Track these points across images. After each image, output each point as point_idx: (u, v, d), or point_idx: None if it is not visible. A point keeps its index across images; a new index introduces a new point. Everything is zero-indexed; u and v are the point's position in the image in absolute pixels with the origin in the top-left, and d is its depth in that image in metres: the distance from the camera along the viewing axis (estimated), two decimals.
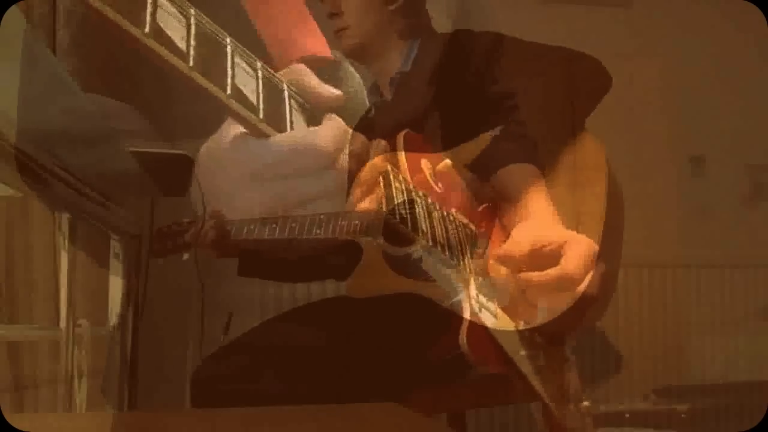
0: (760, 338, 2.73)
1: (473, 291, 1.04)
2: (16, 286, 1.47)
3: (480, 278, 1.06)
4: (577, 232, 1.08)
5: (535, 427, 1.06)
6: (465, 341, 0.99)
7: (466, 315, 1.00)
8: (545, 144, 1.21)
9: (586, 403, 1.07)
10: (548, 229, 1.07)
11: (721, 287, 2.89)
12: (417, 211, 0.98)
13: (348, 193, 0.77)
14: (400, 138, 1.12)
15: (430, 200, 1.04)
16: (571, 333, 1.10)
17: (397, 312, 1.10)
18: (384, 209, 0.90)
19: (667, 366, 2.80)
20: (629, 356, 2.58)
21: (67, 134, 0.99)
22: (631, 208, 1.27)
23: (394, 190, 0.93)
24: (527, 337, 1.06)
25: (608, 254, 1.11)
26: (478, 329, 1.01)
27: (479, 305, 1.03)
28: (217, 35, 0.66)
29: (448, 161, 1.13)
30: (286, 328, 1.30)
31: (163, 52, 0.60)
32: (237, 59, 0.66)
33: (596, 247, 1.03)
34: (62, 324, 1.49)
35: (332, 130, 0.70)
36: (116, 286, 1.39)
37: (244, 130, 0.67)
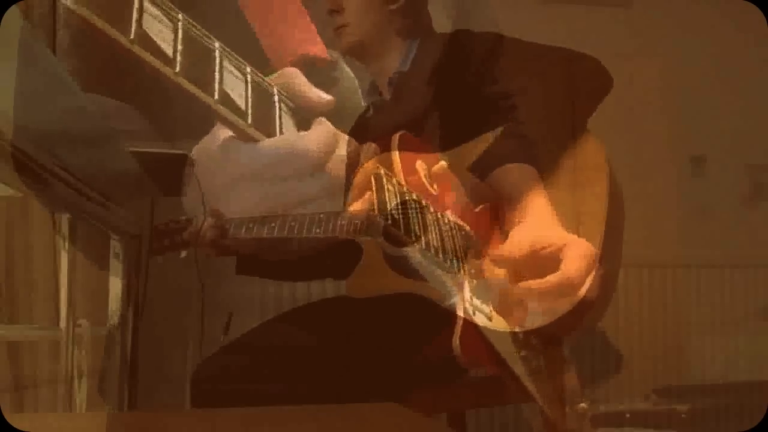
0: (761, 338, 2.73)
1: (467, 293, 1.04)
2: (16, 286, 1.47)
3: (474, 280, 1.06)
4: (578, 233, 1.08)
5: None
6: (458, 343, 0.99)
7: (459, 317, 1.01)
8: (546, 144, 1.21)
9: (583, 405, 1.06)
10: (547, 231, 1.07)
11: (722, 287, 2.89)
12: (410, 213, 0.98)
13: (339, 197, 0.77)
14: (395, 139, 1.12)
15: (424, 202, 1.03)
16: (570, 334, 1.10)
17: (396, 312, 1.10)
18: (375, 212, 0.90)
19: (668, 366, 2.80)
20: (629, 356, 2.58)
21: (67, 134, 0.99)
22: (631, 208, 1.27)
23: (386, 193, 0.93)
24: (523, 339, 1.06)
25: (609, 255, 1.11)
26: (472, 332, 1.01)
27: (473, 308, 1.03)
28: (206, 40, 0.66)
29: (443, 163, 1.13)
30: (286, 328, 1.30)
31: (149, 58, 0.60)
32: (226, 63, 0.66)
33: (596, 250, 1.03)
34: (62, 324, 1.49)
35: (321, 134, 0.70)
36: (116, 286, 1.39)
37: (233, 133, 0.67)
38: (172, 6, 0.63)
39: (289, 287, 2.26)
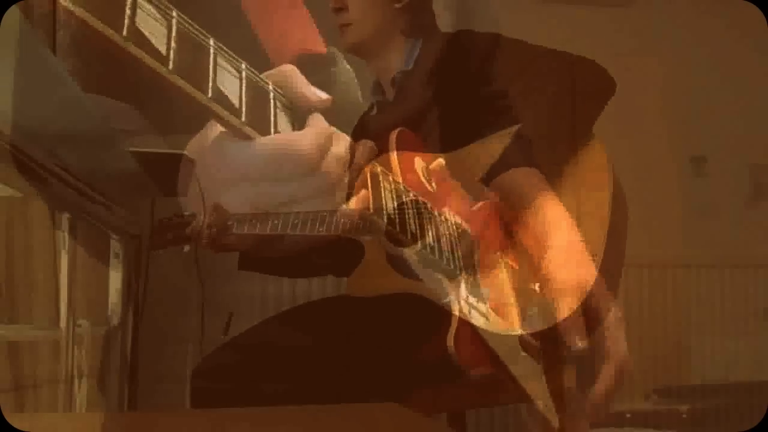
0: (761, 338, 2.73)
1: (463, 292, 1.03)
2: (16, 286, 1.47)
3: (471, 279, 1.06)
4: (581, 238, 1.08)
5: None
6: (452, 343, 0.99)
7: (455, 317, 1.01)
8: (547, 147, 1.21)
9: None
10: (582, 266, 1.06)
11: (722, 287, 2.89)
12: (406, 211, 0.98)
13: (334, 196, 0.77)
14: (393, 136, 1.11)
15: (421, 200, 1.03)
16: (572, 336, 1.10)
17: (397, 312, 1.10)
18: (371, 210, 0.90)
19: (668, 366, 2.80)
20: (630, 356, 2.58)
21: (67, 134, 0.99)
22: (631, 208, 1.27)
23: (382, 190, 0.92)
24: (521, 338, 1.06)
25: (611, 260, 1.11)
26: (467, 331, 1.01)
27: (469, 306, 1.02)
28: (200, 37, 0.66)
29: (441, 160, 1.13)
30: (286, 327, 1.30)
31: (142, 55, 0.59)
32: (220, 61, 0.66)
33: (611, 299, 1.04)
34: (62, 324, 1.49)
35: (315, 134, 0.70)
36: (116, 286, 1.39)
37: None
38: (167, 3, 0.63)
39: (289, 286, 2.27)
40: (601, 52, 1.28)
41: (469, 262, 1.07)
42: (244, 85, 0.67)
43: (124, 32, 0.58)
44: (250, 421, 0.91)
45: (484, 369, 1.02)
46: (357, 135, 1.39)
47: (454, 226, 1.09)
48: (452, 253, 1.05)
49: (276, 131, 0.69)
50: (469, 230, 1.11)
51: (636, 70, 2.58)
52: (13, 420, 0.74)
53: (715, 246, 2.82)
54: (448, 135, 1.22)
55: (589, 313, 1.02)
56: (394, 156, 1.08)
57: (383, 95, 1.38)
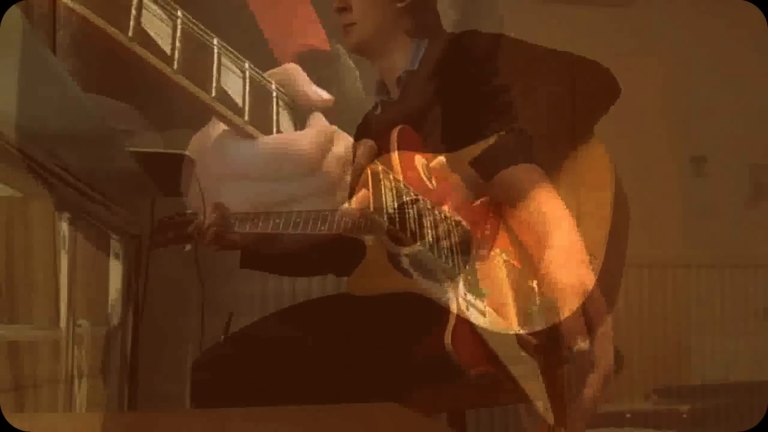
0: (761, 338, 2.73)
1: (461, 289, 1.04)
2: (16, 286, 1.47)
3: (469, 276, 1.06)
4: (581, 238, 1.08)
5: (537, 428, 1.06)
6: (449, 340, 0.99)
7: (453, 314, 1.01)
8: (549, 146, 1.21)
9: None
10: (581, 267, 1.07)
11: (722, 287, 2.89)
12: (406, 210, 0.98)
13: (334, 195, 0.77)
14: (394, 134, 1.12)
15: (421, 198, 1.03)
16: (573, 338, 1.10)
17: (397, 311, 1.10)
18: (371, 209, 0.90)
19: (668, 366, 2.80)
20: (630, 356, 2.57)
21: (67, 134, 1.00)
22: (632, 208, 1.27)
23: (383, 189, 0.92)
24: (519, 336, 1.06)
25: (612, 261, 1.11)
26: (465, 329, 1.01)
27: (467, 303, 1.03)
28: (204, 37, 0.66)
29: (441, 158, 1.13)
30: (286, 325, 1.30)
31: (147, 55, 0.60)
32: (224, 61, 0.66)
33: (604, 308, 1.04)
34: (62, 324, 1.49)
35: (316, 134, 0.70)
36: (116, 286, 1.39)
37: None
38: (172, 3, 0.63)
39: (289, 286, 2.27)
40: (601, 52, 1.27)
41: (467, 260, 1.07)
42: (247, 84, 0.68)
43: (130, 33, 0.58)
44: (250, 420, 0.91)
45: (481, 367, 1.02)
46: (361, 134, 1.39)
47: (454, 224, 1.09)
48: (451, 251, 1.05)
49: (278, 130, 0.69)
50: (469, 228, 1.11)
51: (636, 70, 2.57)
52: (13, 420, 0.74)
53: (715, 246, 2.82)
54: (452, 134, 1.22)
55: (586, 316, 1.03)
56: (395, 153, 1.08)
57: (387, 95, 1.38)
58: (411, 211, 0.99)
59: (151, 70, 0.60)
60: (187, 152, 1.12)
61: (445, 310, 1.03)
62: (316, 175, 0.70)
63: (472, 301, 1.04)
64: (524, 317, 1.08)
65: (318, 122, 0.72)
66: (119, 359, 1.39)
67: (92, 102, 1.00)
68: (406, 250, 1.00)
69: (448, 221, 1.08)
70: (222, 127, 0.68)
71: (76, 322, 1.48)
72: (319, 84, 0.82)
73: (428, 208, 1.04)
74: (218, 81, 0.65)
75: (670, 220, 2.79)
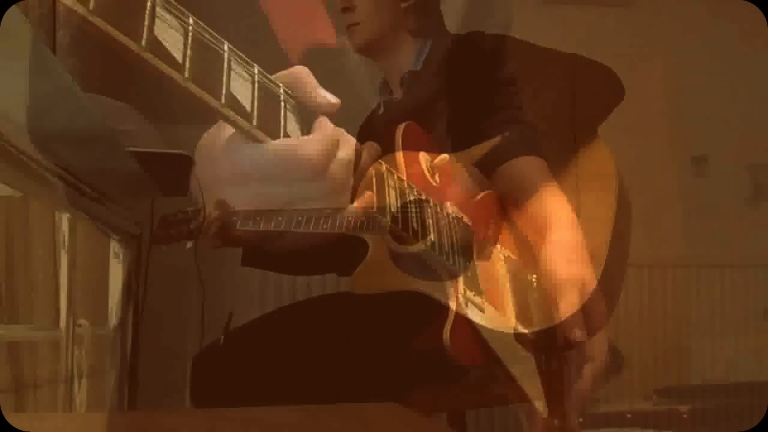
0: (762, 338, 2.73)
1: (461, 287, 1.04)
2: (16, 286, 1.47)
3: (469, 273, 1.06)
4: (582, 233, 1.08)
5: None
6: (447, 336, 0.99)
7: (452, 310, 1.01)
8: (553, 143, 1.21)
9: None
10: (581, 265, 1.07)
11: (722, 287, 2.89)
12: (409, 210, 0.98)
13: (339, 199, 0.78)
14: (399, 131, 1.12)
15: (424, 197, 1.04)
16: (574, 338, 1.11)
17: (399, 310, 1.10)
18: (374, 210, 0.90)
19: (669, 366, 2.80)
20: (630, 356, 2.58)
21: (68, 134, 1.00)
22: (632, 208, 1.27)
23: (386, 189, 0.93)
24: (517, 332, 1.06)
25: (614, 262, 1.11)
26: (464, 326, 1.01)
27: (466, 300, 1.03)
28: (215, 43, 0.66)
29: (445, 155, 1.13)
30: (285, 325, 1.30)
31: (159, 64, 0.60)
32: (234, 66, 0.67)
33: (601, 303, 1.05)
34: (62, 324, 1.49)
35: (322, 139, 0.71)
36: (116, 286, 1.39)
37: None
38: (183, 10, 0.63)
39: (289, 286, 2.27)
40: (602, 52, 1.28)
41: (468, 257, 1.07)
42: (256, 89, 0.68)
43: (143, 42, 0.59)
44: (250, 421, 0.91)
45: (478, 363, 1.02)
46: (364, 133, 1.39)
47: (456, 221, 1.09)
48: (453, 249, 1.05)
49: (285, 134, 0.70)
50: (470, 224, 1.11)
51: (636, 71, 2.58)
52: (13, 420, 0.74)
53: (715, 246, 2.82)
54: (457, 133, 1.23)
55: (583, 310, 1.03)
56: (399, 150, 1.08)
57: (391, 94, 1.38)
58: (414, 210, 1.00)
59: (163, 78, 0.61)
60: (188, 152, 1.13)
61: (445, 308, 1.03)
62: (321, 180, 0.70)
63: (471, 297, 1.04)
64: (523, 313, 1.08)
65: (324, 126, 0.72)
66: (119, 359, 1.39)
67: (92, 102, 1.00)
68: (408, 249, 1.00)
69: (451, 219, 1.08)
70: (229, 130, 0.69)
71: (76, 322, 1.48)
72: (327, 78, 0.83)
73: (431, 207, 1.04)
74: (228, 87, 0.65)
75: (670, 220, 2.79)
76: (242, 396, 1.14)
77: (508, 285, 1.11)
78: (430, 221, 1.02)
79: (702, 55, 2.69)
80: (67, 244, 1.48)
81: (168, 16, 0.62)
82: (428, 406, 1.19)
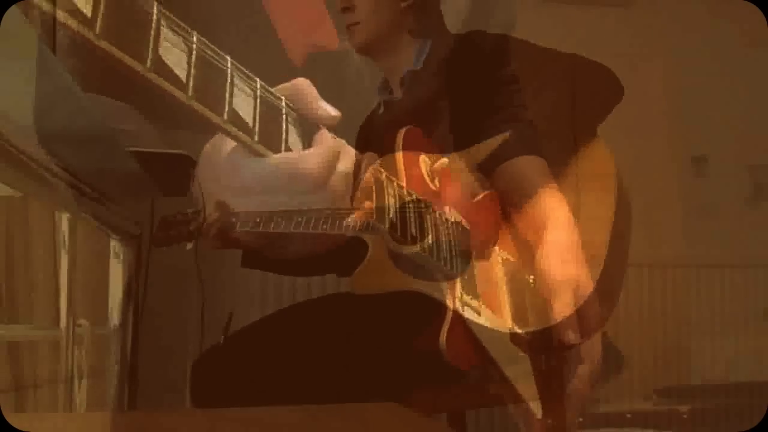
0: (762, 338, 2.73)
1: (458, 290, 1.04)
2: (16, 286, 1.47)
3: (467, 276, 1.06)
4: (584, 239, 1.08)
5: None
6: (444, 339, 1.00)
7: (449, 314, 1.01)
8: (553, 143, 1.21)
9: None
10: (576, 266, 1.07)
11: (722, 287, 2.89)
12: (408, 216, 0.98)
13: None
14: (400, 135, 1.12)
15: (423, 203, 1.04)
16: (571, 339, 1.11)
17: (398, 310, 1.10)
18: (374, 218, 0.91)
19: (669, 366, 2.80)
20: (630, 356, 2.58)
21: (67, 134, 1.00)
22: (632, 208, 1.27)
23: (386, 197, 0.93)
24: (513, 333, 1.07)
25: (613, 262, 1.11)
26: (460, 328, 1.01)
27: (462, 304, 1.03)
28: (218, 60, 0.67)
29: (444, 160, 1.14)
30: (286, 325, 1.30)
31: (164, 84, 0.61)
32: (236, 81, 0.67)
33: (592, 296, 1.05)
34: (62, 324, 1.49)
35: (323, 152, 0.72)
36: (116, 286, 1.39)
37: None
38: (187, 28, 0.64)
39: (290, 285, 2.27)
40: (602, 52, 1.28)
41: (466, 261, 1.07)
42: (258, 104, 0.69)
43: (148, 63, 0.59)
44: (250, 421, 0.91)
45: (474, 364, 1.03)
46: (364, 133, 1.40)
47: (454, 226, 1.09)
48: (450, 253, 1.05)
49: (287, 147, 0.70)
50: (469, 228, 1.12)
51: (636, 70, 2.58)
52: (13, 420, 0.74)
53: (715, 246, 2.82)
54: (458, 133, 1.23)
55: (578, 311, 1.03)
56: (399, 155, 1.09)
57: (391, 94, 1.39)
58: (413, 217, 1.00)
59: (166, 96, 0.61)
60: (184, 152, 1.13)
61: (445, 308, 1.03)
62: (322, 192, 0.71)
63: (468, 301, 1.04)
64: (520, 314, 1.09)
65: (325, 139, 0.73)
66: (119, 359, 1.39)
67: (92, 102, 1.00)
68: (404, 250, 1.00)
69: (449, 223, 1.08)
70: (232, 142, 0.70)
71: (76, 322, 1.49)
72: (328, 80, 0.83)
73: (430, 214, 1.05)
74: (230, 103, 0.66)
75: (670, 220, 2.79)
76: (243, 399, 1.14)
77: (505, 287, 1.11)
78: (429, 227, 1.02)
79: (702, 55, 2.69)
80: (67, 244, 1.48)
81: (172, 35, 0.62)
82: (428, 406, 1.19)
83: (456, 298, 1.03)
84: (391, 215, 0.94)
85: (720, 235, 2.78)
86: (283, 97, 0.72)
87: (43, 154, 1.00)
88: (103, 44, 0.57)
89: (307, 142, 0.73)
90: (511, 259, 1.15)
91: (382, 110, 1.39)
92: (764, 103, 2.57)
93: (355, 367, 1.15)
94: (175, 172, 1.09)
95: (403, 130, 1.13)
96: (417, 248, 1.00)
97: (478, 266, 1.09)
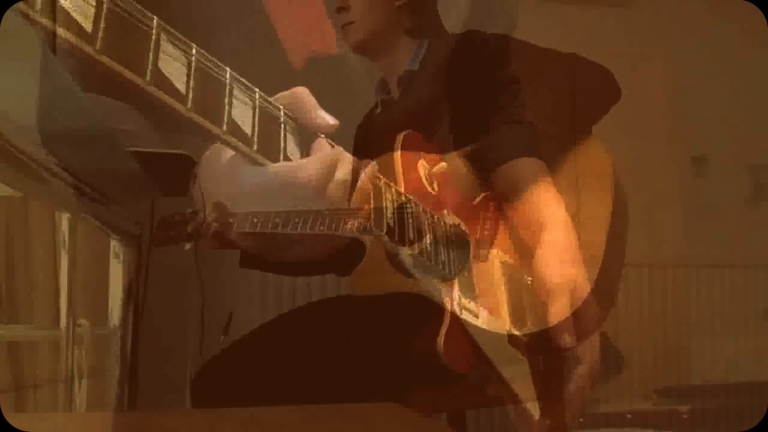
0: (762, 338, 2.72)
1: (456, 293, 1.04)
2: (16, 286, 1.47)
3: (465, 279, 1.06)
4: (581, 238, 1.08)
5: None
6: (441, 342, 1.00)
7: (446, 318, 1.01)
8: (552, 143, 1.21)
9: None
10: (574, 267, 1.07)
11: (722, 287, 2.89)
12: (405, 221, 0.99)
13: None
14: (399, 139, 1.12)
15: (421, 207, 1.04)
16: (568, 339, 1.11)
17: (398, 310, 1.10)
18: (372, 224, 0.91)
19: (669, 366, 2.80)
20: (630, 356, 2.57)
21: (67, 134, 1.00)
22: (632, 208, 1.27)
23: (384, 202, 0.93)
24: (510, 335, 1.07)
25: (610, 261, 1.12)
26: (457, 330, 1.02)
27: (460, 307, 1.03)
28: (217, 71, 0.67)
29: (443, 164, 1.14)
30: (287, 330, 1.30)
31: (163, 96, 0.61)
32: (235, 92, 0.68)
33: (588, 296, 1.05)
34: (62, 324, 1.49)
35: (321, 161, 0.72)
36: (116, 286, 1.39)
37: None
38: (186, 41, 0.64)
39: (290, 285, 2.27)
40: (601, 52, 1.28)
41: (464, 263, 1.08)
42: (256, 114, 0.69)
43: (148, 77, 0.60)
44: (250, 421, 0.91)
45: (472, 366, 1.03)
46: (362, 133, 1.40)
47: (452, 229, 1.10)
48: (448, 256, 1.06)
49: (285, 156, 0.71)
50: (467, 231, 1.12)
51: (636, 71, 2.58)
52: (13, 420, 0.74)
53: (715, 246, 2.82)
54: (457, 132, 1.23)
55: (575, 313, 1.03)
56: (398, 159, 1.09)
57: (388, 94, 1.38)
58: (411, 221, 1.00)
59: (166, 108, 0.62)
60: (184, 152, 1.13)
61: (443, 311, 1.03)
62: (320, 199, 0.72)
63: (466, 303, 1.04)
64: (517, 315, 1.09)
65: (323, 148, 0.74)
66: (119, 359, 1.39)
67: (92, 102, 1.00)
68: (403, 252, 1.00)
69: (447, 227, 1.09)
70: (231, 151, 0.71)
71: (76, 322, 1.49)
72: (328, 86, 0.84)
73: (428, 219, 1.05)
74: (229, 114, 0.66)
75: (670, 220, 2.79)
76: (242, 398, 1.14)
77: (503, 288, 1.11)
78: (426, 230, 1.03)
79: (702, 55, 2.68)
80: (67, 244, 1.48)
81: (171, 48, 0.63)
82: (428, 406, 1.19)
83: (454, 300, 1.03)
84: (388, 219, 0.95)
85: (720, 235, 2.78)
86: (281, 107, 0.73)
87: (44, 154, 1.00)
88: (104, 59, 0.58)
89: (306, 151, 0.73)
90: (510, 261, 1.15)
91: (379, 110, 1.39)
92: (764, 103, 2.57)
93: (355, 367, 1.15)
94: (175, 172, 1.09)
95: (401, 135, 1.13)
96: (414, 251, 1.00)
97: (477, 268, 1.09)
